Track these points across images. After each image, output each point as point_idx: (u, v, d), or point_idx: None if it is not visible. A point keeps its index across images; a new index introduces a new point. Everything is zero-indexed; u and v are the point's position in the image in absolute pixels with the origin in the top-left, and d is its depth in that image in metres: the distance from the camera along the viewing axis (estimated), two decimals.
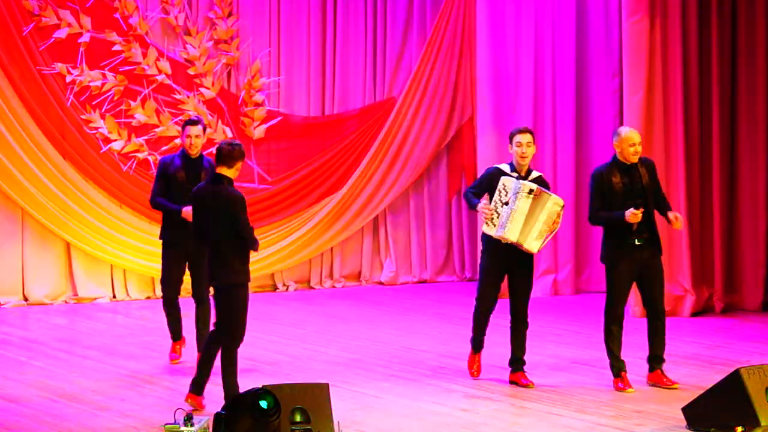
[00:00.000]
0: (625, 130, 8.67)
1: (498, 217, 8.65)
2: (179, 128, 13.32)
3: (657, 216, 8.74)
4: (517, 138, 8.76)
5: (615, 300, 8.66)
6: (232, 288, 8.15)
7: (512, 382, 8.83)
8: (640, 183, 8.62)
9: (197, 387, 8.04)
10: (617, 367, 8.71)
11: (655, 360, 8.81)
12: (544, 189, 8.69)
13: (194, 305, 9.39)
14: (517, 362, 8.91)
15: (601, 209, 8.61)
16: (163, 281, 9.50)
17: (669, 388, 8.67)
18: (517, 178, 8.70)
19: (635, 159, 8.61)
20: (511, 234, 8.61)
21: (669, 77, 11.97)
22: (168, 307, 9.52)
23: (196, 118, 9.44)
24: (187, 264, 9.39)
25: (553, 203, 8.65)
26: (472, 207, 8.87)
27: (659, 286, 8.72)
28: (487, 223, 8.72)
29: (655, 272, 8.68)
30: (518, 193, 8.62)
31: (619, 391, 8.62)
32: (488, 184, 8.82)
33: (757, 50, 12.12)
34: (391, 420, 7.80)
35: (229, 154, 7.94)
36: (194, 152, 9.31)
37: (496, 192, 8.69)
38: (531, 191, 8.61)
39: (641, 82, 11.89)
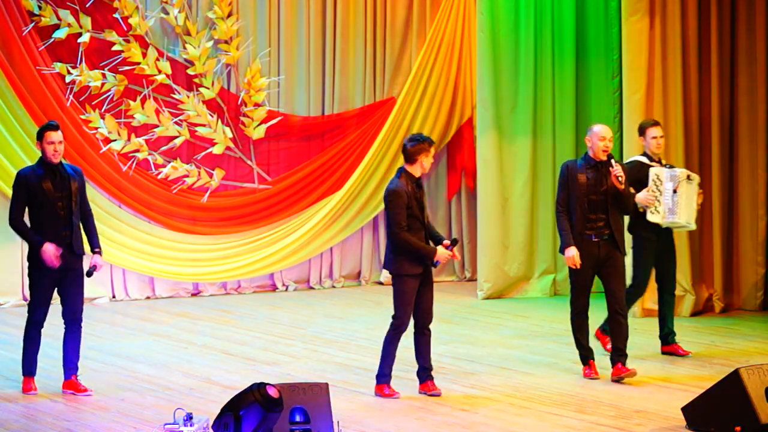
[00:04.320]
0: (597, 126, 9.03)
1: (661, 205, 9.51)
2: (179, 128, 13.34)
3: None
4: (652, 131, 9.73)
5: (575, 292, 9.01)
6: (394, 277, 8.50)
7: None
8: (605, 182, 8.82)
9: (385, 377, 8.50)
10: (584, 356, 9.03)
11: (617, 353, 8.96)
12: (691, 172, 9.73)
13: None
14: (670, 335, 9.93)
15: (564, 205, 8.95)
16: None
17: (631, 377, 8.85)
18: (668, 167, 9.66)
19: (603, 156, 8.83)
20: (681, 218, 9.57)
21: (668, 77, 11.96)
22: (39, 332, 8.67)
23: (54, 122, 8.66)
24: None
25: (696, 182, 9.74)
26: None
27: (619, 283, 8.95)
28: (651, 212, 9.54)
29: (614, 269, 8.92)
30: (677, 180, 9.52)
31: (587, 378, 8.91)
32: (634, 176, 9.49)
33: (757, 50, 12.11)
34: (391, 420, 7.80)
35: (404, 151, 8.46)
36: (57, 159, 8.46)
37: (650, 182, 9.52)
38: (688, 177, 9.57)
39: (641, 81, 11.89)
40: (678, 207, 9.58)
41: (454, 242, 8.56)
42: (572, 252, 8.83)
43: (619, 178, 8.74)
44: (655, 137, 9.74)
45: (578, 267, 8.82)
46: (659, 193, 9.56)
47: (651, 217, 9.59)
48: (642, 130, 9.88)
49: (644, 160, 9.77)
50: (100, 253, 8.70)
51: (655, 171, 9.61)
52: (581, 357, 9.05)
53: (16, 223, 8.48)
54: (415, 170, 8.44)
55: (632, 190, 9.48)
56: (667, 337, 9.94)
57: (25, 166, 8.94)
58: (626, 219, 9.51)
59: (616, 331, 8.92)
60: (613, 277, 8.91)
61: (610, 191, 8.82)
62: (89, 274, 8.58)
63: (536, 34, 13.64)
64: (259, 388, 6.67)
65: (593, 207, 8.81)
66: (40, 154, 8.54)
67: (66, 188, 8.48)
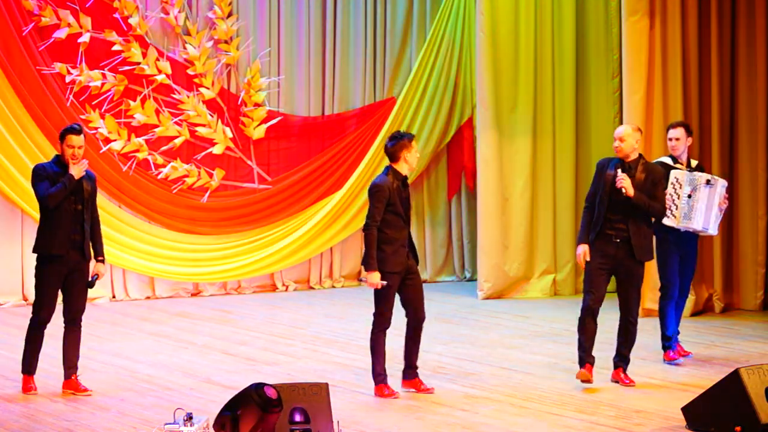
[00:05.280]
0: (619, 127, 8.97)
1: (677, 209, 9.31)
2: (179, 128, 13.34)
3: None
4: (669, 133, 9.59)
5: (587, 291, 8.75)
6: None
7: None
8: (633, 181, 8.64)
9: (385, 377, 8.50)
10: (582, 359, 8.74)
11: (619, 358, 8.87)
12: (714, 176, 9.51)
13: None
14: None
15: (593, 200, 8.75)
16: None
17: (627, 386, 8.72)
18: (689, 170, 9.43)
19: (617, 154, 8.71)
20: (696, 223, 9.36)
21: (669, 77, 11.96)
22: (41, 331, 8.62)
23: (78, 126, 8.65)
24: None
25: (721, 186, 9.52)
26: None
27: (632, 289, 8.77)
28: (667, 215, 9.27)
29: (629, 274, 8.73)
30: (693, 184, 9.33)
31: (578, 378, 8.63)
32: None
33: (757, 50, 12.12)
34: (391, 420, 7.80)
35: (386, 152, 8.51)
36: (74, 164, 8.44)
37: (669, 185, 9.31)
38: (708, 181, 9.36)
39: (641, 82, 11.89)
40: (694, 212, 9.35)
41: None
42: (581, 249, 8.69)
43: (621, 186, 8.56)
44: (670, 139, 9.56)
45: (582, 266, 8.72)
46: (677, 197, 9.34)
47: (666, 221, 9.32)
48: (667, 131, 9.75)
49: (668, 161, 9.57)
50: (103, 261, 8.68)
51: (675, 174, 9.39)
52: (579, 358, 8.79)
53: (48, 191, 8.34)
54: (401, 167, 8.45)
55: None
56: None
57: (41, 162, 8.89)
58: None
59: (623, 338, 8.81)
60: (627, 285, 8.74)
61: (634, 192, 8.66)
62: (91, 285, 8.56)
63: (536, 34, 13.64)
64: (257, 388, 6.67)
65: (613, 207, 8.62)
66: (58, 153, 8.53)
67: (80, 191, 8.47)
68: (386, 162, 14.84)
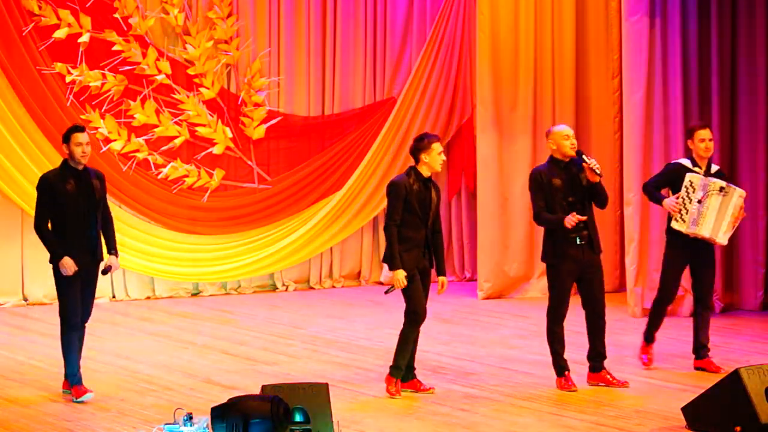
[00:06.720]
0: (556, 126, 8.79)
1: (687, 213, 9.04)
2: (179, 128, 13.34)
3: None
4: (701, 134, 9.15)
5: (558, 300, 8.66)
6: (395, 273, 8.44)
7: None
8: (578, 179, 8.58)
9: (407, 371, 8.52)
10: (561, 367, 8.69)
11: (598, 358, 8.78)
12: (731, 184, 9.17)
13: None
14: (702, 349, 9.41)
15: (544, 209, 8.59)
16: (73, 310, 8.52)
17: (618, 388, 8.65)
18: (705, 174, 9.13)
19: (572, 152, 8.56)
20: (704, 230, 9.06)
21: (669, 77, 11.97)
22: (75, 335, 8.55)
23: (81, 125, 8.56)
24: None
25: (738, 196, 9.12)
26: (656, 201, 9.31)
27: (600, 286, 8.72)
28: (675, 219, 9.09)
29: (596, 272, 8.67)
30: (708, 190, 9.03)
31: (564, 390, 8.58)
32: (671, 179, 9.18)
33: (757, 50, 12.12)
34: (391, 420, 7.80)
35: (410, 152, 8.59)
36: (85, 161, 8.38)
37: (683, 188, 9.07)
38: (722, 189, 9.05)
39: (641, 81, 11.89)
40: (702, 218, 9.04)
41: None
42: (568, 217, 8.41)
43: (596, 170, 8.44)
44: (703, 140, 9.09)
45: (574, 222, 8.41)
46: (688, 201, 9.05)
47: (674, 225, 9.11)
48: (691, 133, 9.29)
49: (686, 163, 9.27)
50: (116, 254, 8.68)
51: (690, 177, 9.09)
52: (557, 368, 8.71)
53: (40, 229, 8.38)
54: (422, 169, 8.48)
55: (669, 193, 9.25)
56: (699, 352, 9.46)
57: (47, 170, 8.85)
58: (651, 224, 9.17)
59: (599, 337, 8.71)
60: (594, 282, 8.67)
61: (585, 189, 8.57)
62: (105, 272, 8.57)
63: (536, 34, 13.63)
64: (279, 404, 6.62)
65: (572, 209, 8.51)
66: (64, 157, 8.46)
67: (89, 192, 8.41)
68: (385, 162, 14.99)
